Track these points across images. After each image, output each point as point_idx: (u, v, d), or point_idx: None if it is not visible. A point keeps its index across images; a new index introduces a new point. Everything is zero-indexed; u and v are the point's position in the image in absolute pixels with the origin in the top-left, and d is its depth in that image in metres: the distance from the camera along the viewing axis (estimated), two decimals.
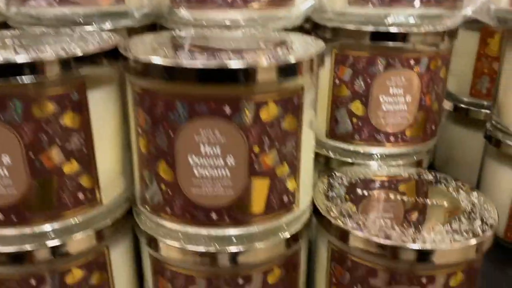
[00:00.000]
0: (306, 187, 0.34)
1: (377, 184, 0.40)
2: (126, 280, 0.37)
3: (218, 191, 0.30)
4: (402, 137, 0.43)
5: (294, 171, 0.32)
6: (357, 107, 0.43)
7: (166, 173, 0.30)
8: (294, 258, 0.35)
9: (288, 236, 0.33)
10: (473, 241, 0.32)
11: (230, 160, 0.29)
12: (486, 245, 0.33)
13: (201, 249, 0.31)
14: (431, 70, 0.42)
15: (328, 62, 0.43)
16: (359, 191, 0.38)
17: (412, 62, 0.40)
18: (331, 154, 0.46)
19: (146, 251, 0.35)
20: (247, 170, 0.30)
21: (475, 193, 0.39)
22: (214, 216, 0.31)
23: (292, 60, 0.28)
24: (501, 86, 0.51)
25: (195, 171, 0.30)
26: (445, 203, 0.37)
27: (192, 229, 0.31)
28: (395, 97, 0.42)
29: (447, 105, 0.63)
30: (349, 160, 0.45)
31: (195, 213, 0.31)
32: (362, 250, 0.32)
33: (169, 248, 0.32)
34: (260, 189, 0.30)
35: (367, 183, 0.40)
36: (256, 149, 0.29)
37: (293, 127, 0.30)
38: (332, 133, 0.45)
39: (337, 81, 0.43)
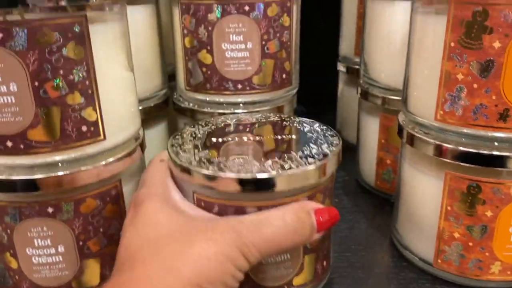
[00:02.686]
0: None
1: (231, 130, 0.38)
2: None
3: None
4: (250, 85, 0.45)
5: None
6: (204, 56, 0.44)
7: None
8: (112, 192, 0.36)
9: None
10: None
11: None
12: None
13: None
14: (269, 17, 0.43)
15: (176, 12, 0.45)
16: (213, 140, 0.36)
17: (247, 8, 0.42)
18: (191, 106, 0.47)
19: None
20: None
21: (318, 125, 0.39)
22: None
23: None
24: (365, 41, 0.52)
25: None
26: (294, 136, 0.37)
27: None
28: (236, 44, 0.43)
29: (341, 68, 0.65)
30: (205, 110, 0.46)
31: None
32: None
33: None
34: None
35: (221, 131, 0.38)
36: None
37: (80, 56, 0.32)
38: (189, 84, 0.47)
39: (185, 31, 0.45)
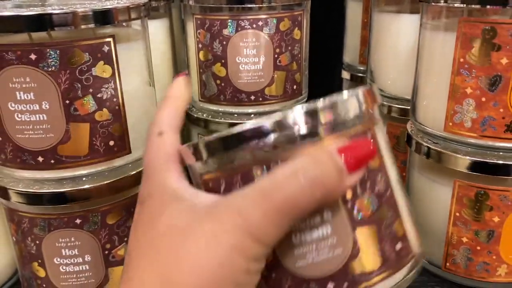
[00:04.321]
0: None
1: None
2: None
3: None
4: (262, 96, 0.46)
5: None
6: (219, 69, 0.46)
7: None
8: None
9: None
10: None
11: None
12: None
13: None
14: (281, 31, 0.45)
15: (191, 27, 0.46)
16: None
17: (260, 23, 0.44)
18: (204, 116, 0.49)
19: None
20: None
21: None
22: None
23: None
24: (371, 51, 0.54)
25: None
26: None
27: None
28: (249, 58, 0.45)
29: (345, 75, 0.67)
30: (218, 120, 0.48)
31: None
32: None
33: None
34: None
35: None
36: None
37: (108, 75, 0.33)
38: (203, 96, 0.48)
39: (200, 45, 0.46)
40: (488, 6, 0.34)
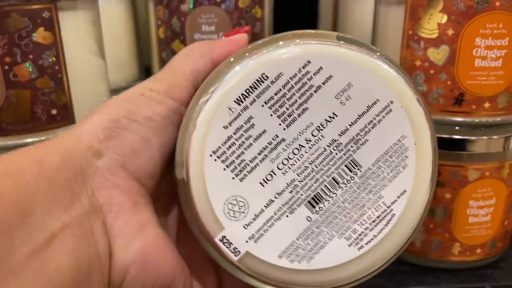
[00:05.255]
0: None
1: None
2: None
3: None
4: None
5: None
6: (178, 46, 0.46)
7: None
8: None
9: None
10: None
11: None
12: None
13: None
14: (240, 8, 0.44)
15: (150, 4, 0.46)
16: None
17: None
18: None
19: None
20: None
21: None
22: None
23: None
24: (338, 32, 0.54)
25: None
26: None
27: None
28: (208, 34, 0.44)
29: None
30: None
31: None
32: None
33: None
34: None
35: None
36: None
37: (49, 41, 0.33)
38: None
39: (159, 22, 0.46)
40: None
